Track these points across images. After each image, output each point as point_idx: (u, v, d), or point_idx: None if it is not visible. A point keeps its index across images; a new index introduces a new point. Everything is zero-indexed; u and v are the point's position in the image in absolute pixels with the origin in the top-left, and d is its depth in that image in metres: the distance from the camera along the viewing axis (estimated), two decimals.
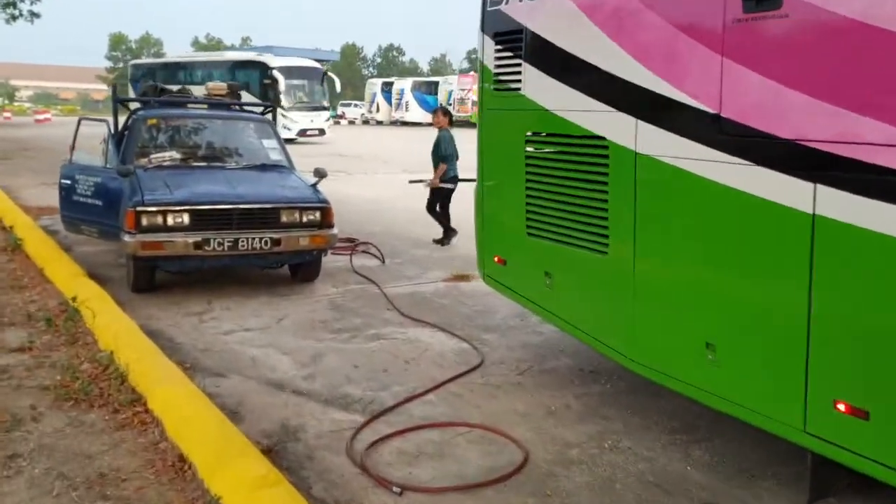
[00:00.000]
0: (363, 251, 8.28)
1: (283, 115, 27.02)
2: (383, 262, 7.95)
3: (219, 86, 8.57)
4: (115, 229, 6.65)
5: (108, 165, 7.31)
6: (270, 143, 7.69)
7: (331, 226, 6.65)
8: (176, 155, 7.25)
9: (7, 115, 53.14)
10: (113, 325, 5.09)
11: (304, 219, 6.52)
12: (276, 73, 28.07)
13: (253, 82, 28.27)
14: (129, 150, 7.11)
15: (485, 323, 5.81)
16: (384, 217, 11.03)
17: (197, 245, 6.11)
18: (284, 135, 28.05)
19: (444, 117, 9.15)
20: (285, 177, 7.21)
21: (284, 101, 26.98)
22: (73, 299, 5.70)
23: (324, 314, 6.01)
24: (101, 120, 7.69)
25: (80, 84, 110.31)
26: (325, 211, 6.61)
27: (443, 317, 5.95)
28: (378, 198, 12.98)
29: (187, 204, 6.17)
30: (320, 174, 6.95)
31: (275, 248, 6.35)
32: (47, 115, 50.99)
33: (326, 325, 5.72)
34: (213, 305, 6.20)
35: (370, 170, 18.15)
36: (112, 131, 7.40)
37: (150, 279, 6.49)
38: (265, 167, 7.36)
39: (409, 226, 10.27)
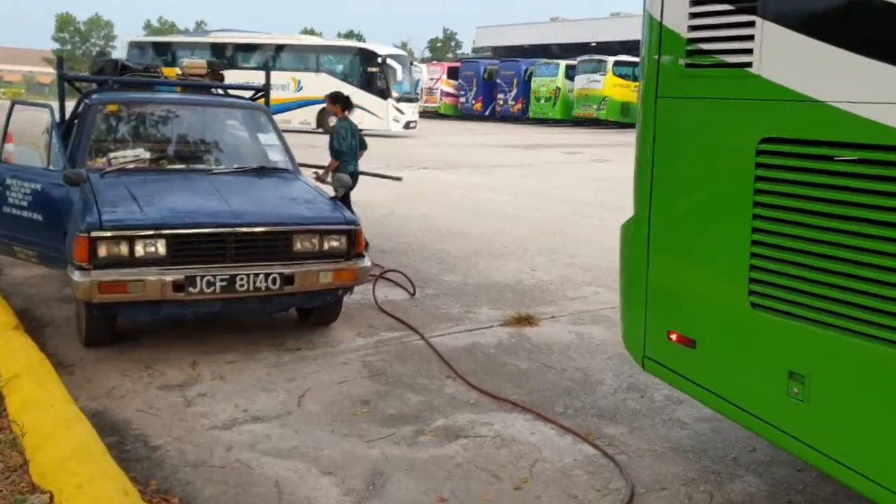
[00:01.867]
0: (382, 276, 6.50)
1: (395, 107, 25.87)
2: (413, 293, 6.18)
3: (196, 63, 6.67)
4: (60, 255, 4.80)
5: (50, 166, 5.42)
6: (268, 139, 5.86)
7: (361, 255, 4.88)
8: (144, 154, 5.37)
9: None
10: (52, 425, 3.23)
11: (326, 246, 4.74)
12: (391, 62, 26.13)
13: (353, 72, 26.16)
14: (81, 147, 5.23)
15: (595, 404, 4.10)
16: (389, 225, 9.24)
17: (178, 286, 4.30)
18: (392, 128, 26.50)
19: (336, 105, 7.40)
20: (292, 185, 5.40)
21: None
22: None
23: (361, 386, 4.24)
24: (41, 105, 5.75)
25: (26, 66, 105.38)
26: (354, 235, 4.83)
27: (531, 391, 4.24)
28: (370, 200, 11.16)
29: (164, 226, 4.34)
30: (343, 184, 5.15)
31: (285, 289, 4.56)
32: None
33: (371, 408, 3.96)
34: (201, 371, 4.39)
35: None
36: (56, 119, 5.49)
37: (108, 329, 4.65)
38: (264, 171, 5.54)
39: (423, 237, 8.51)
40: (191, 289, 4.32)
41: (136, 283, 4.22)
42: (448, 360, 4.65)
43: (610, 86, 34.83)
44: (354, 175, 7.32)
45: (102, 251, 4.22)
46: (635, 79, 35.76)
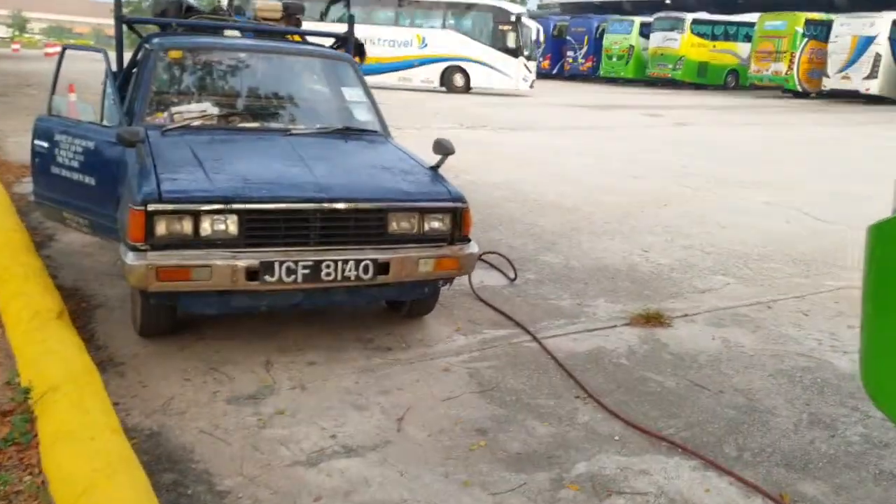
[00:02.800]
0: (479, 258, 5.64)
1: (526, 66, 25.20)
2: (514, 278, 5.32)
3: (270, 5, 5.81)
4: (114, 224, 4.07)
5: (104, 122, 4.68)
6: (354, 94, 4.99)
7: (467, 240, 4.01)
8: (212, 109, 4.56)
9: (16, 47, 50.08)
10: (90, 470, 2.46)
11: (427, 227, 3.89)
12: (526, 21, 25.69)
13: (482, 29, 25.12)
14: (139, 99, 4.45)
15: (776, 446, 3.19)
16: (472, 193, 8.33)
17: (252, 273, 3.50)
18: (521, 87, 25.40)
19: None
20: (383, 150, 4.54)
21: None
22: (26, 393, 3.11)
23: (472, 406, 3.41)
24: (94, 49, 4.97)
25: (96, 18, 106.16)
26: (461, 214, 3.97)
27: (688, 423, 3.35)
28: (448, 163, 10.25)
29: (236, 199, 3.54)
30: (445, 149, 4.27)
31: (378, 278, 3.73)
32: (57, 49, 47.94)
33: (490, 440, 3.12)
34: (276, 375, 3.62)
35: (414, 122, 15.28)
36: (112, 68, 4.72)
37: (169, 319, 3.91)
38: (350, 133, 4.68)
39: (512, 208, 7.61)
40: (267, 277, 3.52)
41: (201, 268, 3.44)
42: (572, 371, 3.79)
43: (687, 45, 33.07)
44: None
45: (161, 228, 3.45)
46: (714, 38, 34.28)
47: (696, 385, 3.73)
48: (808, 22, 28.86)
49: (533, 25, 26.71)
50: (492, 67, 24.73)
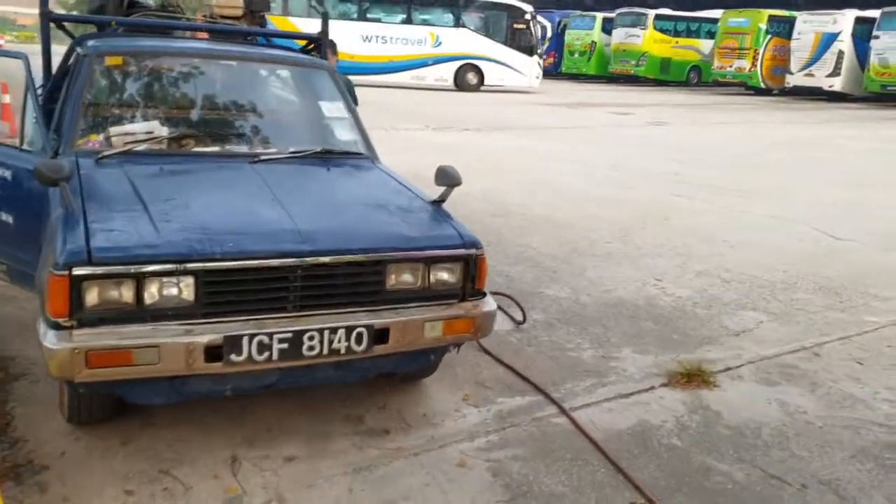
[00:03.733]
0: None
1: (539, 64, 25.68)
2: (523, 321, 4.56)
3: (231, 1, 4.94)
4: (34, 273, 3.19)
5: (25, 144, 3.80)
6: (334, 109, 4.16)
7: (481, 293, 3.23)
8: (160, 129, 3.69)
9: None
10: None
11: (434, 280, 3.10)
12: (540, 19, 26.32)
13: (497, 28, 25.04)
14: (68, 117, 3.56)
15: None
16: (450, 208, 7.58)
17: (213, 352, 2.68)
18: (534, 85, 25.36)
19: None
20: (373, 180, 3.73)
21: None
22: None
23: None
24: (13, 54, 4.05)
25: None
26: (475, 263, 3.17)
27: None
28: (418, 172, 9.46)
29: (192, 257, 2.70)
30: (450, 179, 3.46)
31: (376, 349, 2.94)
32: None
33: None
34: (245, 477, 2.81)
35: (384, 123, 14.39)
36: (32, 76, 3.82)
37: (104, 407, 3.07)
38: (331, 157, 3.85)
39: (499, 226, 6.85)
40: (233, 356, 2.71)
41: (147, 350, 2.61)
42: (618, 461, 3.04)
43: (650, 41, 32.70)
44: None
45: (92, 298, 2.61)
46: (677, 34, 33.94)
47: (772, 477, 3.01)
48: (771, 18, 28.67)
49: (546, 23, 26.92)
50: (506, 65, 24.85)
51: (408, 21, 24.46)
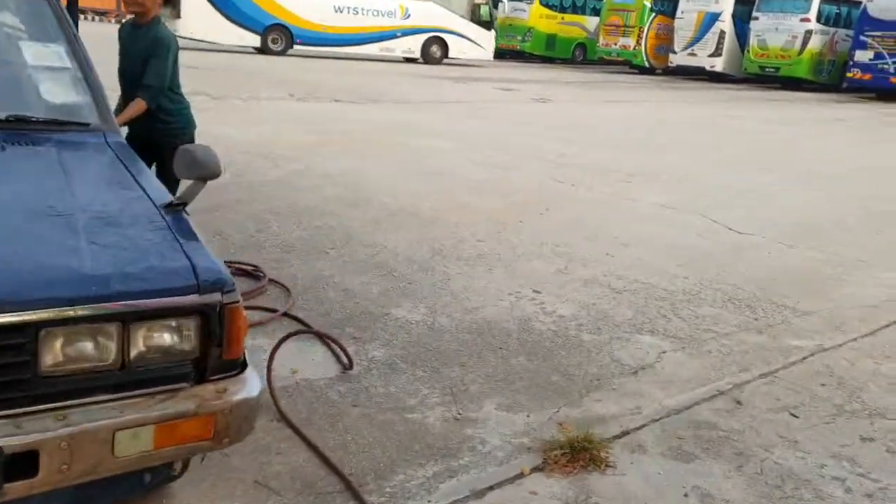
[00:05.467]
0: (293, 334, 3.59)
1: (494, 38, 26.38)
2: (349, 367, 3.28)
3: None
4: None
5: None
6: (48, 54, 2.70)
7: (237, 365, 1.92)
8: None
9: None
10: None
11: (140, 348, 1.76)
12: None
13: (461, 3, 25.25)
14: None
15: None
16: (299, 192, 6.22)
17: None
18: (490, 57, 25.40)
19: None
20: (84, 164, 2.34)
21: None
22: None
23: None
24: None
25: None
26: (222, 314, 1.85)
27: None
28: (271, 146, 7.98)
29: None
30: (200, 169, 2.11)
31: (7, 490, 1.57)
32: None
33: None
34: None
35: (239, 91, 12.68)
36: None
37: None
38: (24, 128, 2.41)
39: (349, 218, 5.55)
40: None
41: None
42: None
43: (536, 16, 31.87)
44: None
45: None
46: (563, 10, 33.31)
47: None
48: None
49: None
50: (468, 39, 25.31)
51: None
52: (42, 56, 2.67)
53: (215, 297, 1.82)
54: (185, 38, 20.90)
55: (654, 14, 28.28)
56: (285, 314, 3.80)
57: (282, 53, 22.05)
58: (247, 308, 3.84)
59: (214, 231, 5.04)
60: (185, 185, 2.25)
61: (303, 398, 3.00)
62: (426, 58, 24.82)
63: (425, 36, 24.70)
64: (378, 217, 5.79)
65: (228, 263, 4.40)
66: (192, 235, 1.98)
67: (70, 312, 1.65)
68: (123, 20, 3.53)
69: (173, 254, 1.86)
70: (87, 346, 1.70)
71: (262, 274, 4.31)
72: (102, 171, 2.28)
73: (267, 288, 4.18)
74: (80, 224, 1.89)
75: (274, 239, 5.04)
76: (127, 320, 1.72)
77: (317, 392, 3.06)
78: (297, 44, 22.38)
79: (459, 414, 2.97)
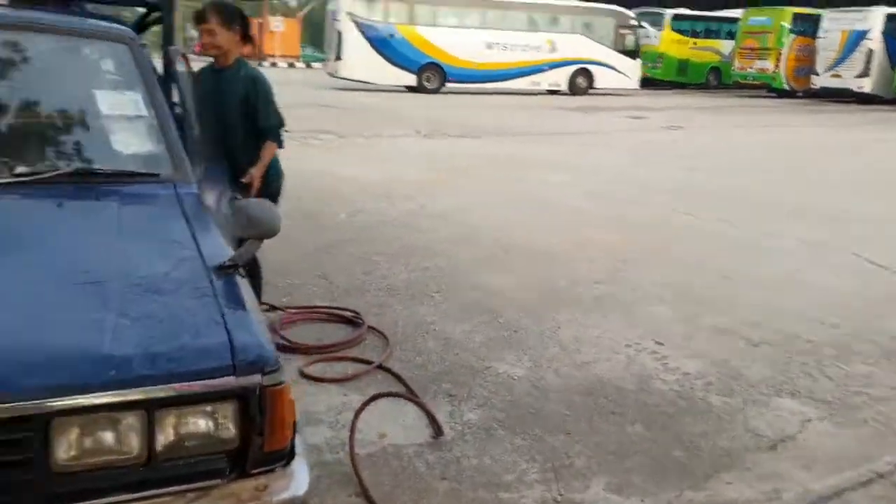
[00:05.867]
0: (380, 396, 3.33)
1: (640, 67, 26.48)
2: (439, 433, 2.98)
3: None
4: None
5: None
6: (123, 102, 2.58)
7: (283, 455, 1.65)
8: None
9: None
10: None
11: (170, 439, 1.53)
12: (644, 24, 27.17)
13: (607, 33, 25.62)
14: None
15: None
16: (411, 232, 6.03)
17: None
18: (627, 85, 25.64)
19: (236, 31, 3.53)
20: (141, 221, 2.17)
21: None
22: None
23: None
24: None
25: None
26: (262, 398, 1.59)
27: None
28: (386, 185, 7.89)
29: None
30: (258, 226, 1.89)
31: None
32: None
33: None
34: None
35: (361, 130, 12.83)
36: None
37: None
38: (89, 181, 2.28)
39: (458, 254, 5.28)
40: None
41: None
42: None
43: (667, 42, 30.91)
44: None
45: None
46: (695, 34, 32.13)
47: None
48: (795, 17, 26.87)
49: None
50: (614, 69, 25.29)
51: (527, 28, 24.74)
52: (117, 104, 2.56)
53: (254, 378, 1.57)
54: (344, 78, 21.82)
55: (793, 35, 26.78)
56: (380, 366, 3.56)
57: (435, 91, 22.45)
58: (340, 359, 3.68)
59: (321, 274, 4.91)
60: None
61: (388, 468, 2.72)
62: (573, 89, 24.79)
63: (573, 68, 24.75)
64: (489, 255, 5.50)
65: (328, 310, 4.27)
66: (238, 303, 1.74)
67: (83, 400, 1.43)
68: (196, 68, 3.42)
69: (210, 328, 1.62)
70: (107, 438, 1.48)
71: (361, 321, 4.09)
72: (160, 228, 2.10)
73: (366, 337, 3.95)
74: (114, 292, 1.69)
75: (380, 282, 4.84)
76: (152, 407, 1.50)
77: (403, 462, 2.76)
78: (450, 81, 22.80)
79: (560, 495, 2.59)
